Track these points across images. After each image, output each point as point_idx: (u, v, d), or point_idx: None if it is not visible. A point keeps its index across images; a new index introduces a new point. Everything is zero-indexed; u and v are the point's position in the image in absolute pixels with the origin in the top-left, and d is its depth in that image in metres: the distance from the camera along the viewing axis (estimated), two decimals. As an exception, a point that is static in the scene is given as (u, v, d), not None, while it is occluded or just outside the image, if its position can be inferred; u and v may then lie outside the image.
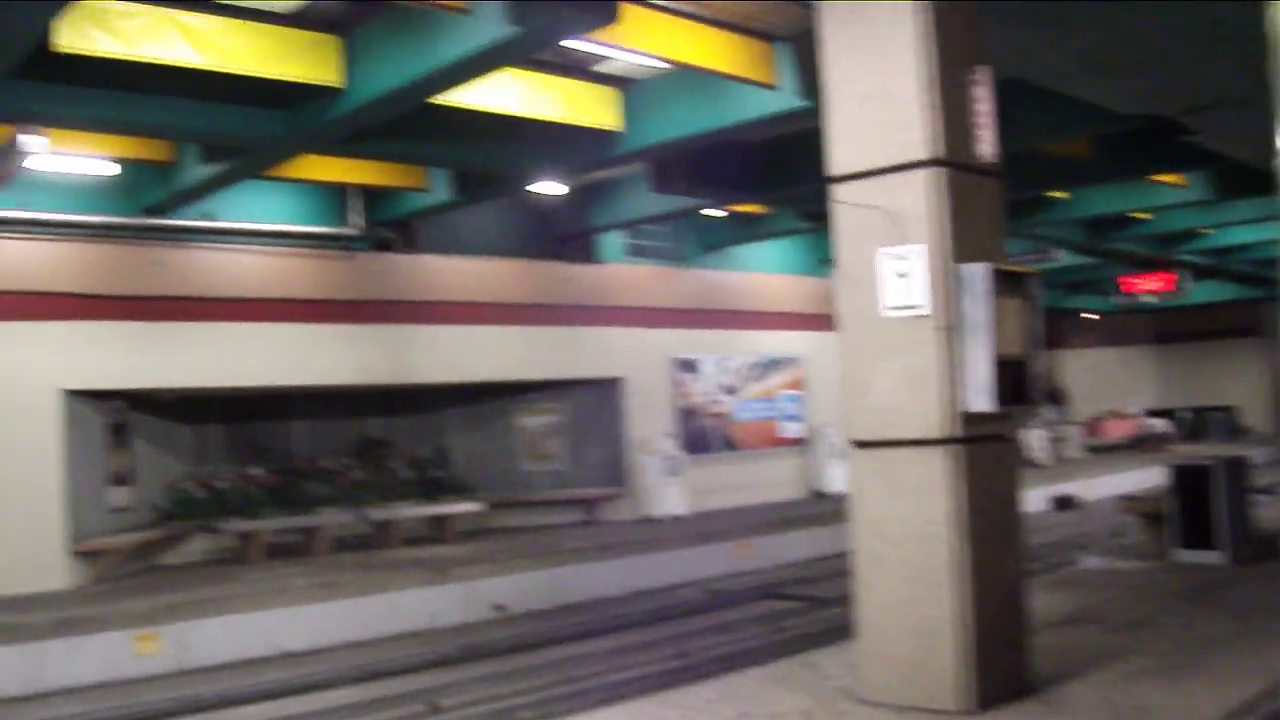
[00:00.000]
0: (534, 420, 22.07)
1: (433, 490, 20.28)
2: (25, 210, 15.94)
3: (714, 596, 17.08)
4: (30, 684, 12.96)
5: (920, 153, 7.50)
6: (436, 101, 12.72)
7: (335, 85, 12.43)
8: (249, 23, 11.95)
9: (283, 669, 13.44)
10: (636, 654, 13.04)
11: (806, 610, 15.21)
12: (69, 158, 15.16)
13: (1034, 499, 18.04)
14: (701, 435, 23.26)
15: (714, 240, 23.71)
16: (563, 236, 21.49)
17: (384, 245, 19.29)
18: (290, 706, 11.73)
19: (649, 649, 13.28)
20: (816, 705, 7.73)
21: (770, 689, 8.25)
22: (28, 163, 13.30)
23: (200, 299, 17.42)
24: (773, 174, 17.37)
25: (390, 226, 19.20)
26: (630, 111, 14.74)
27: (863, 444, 7.76)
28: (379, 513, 19.23)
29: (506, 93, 13.50)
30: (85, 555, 16.25)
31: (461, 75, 11.68)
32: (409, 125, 14.05)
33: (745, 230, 23.32)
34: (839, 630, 9.31)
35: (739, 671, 9.22)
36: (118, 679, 13.30)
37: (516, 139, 15.13)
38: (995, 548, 7.51)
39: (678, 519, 21.34)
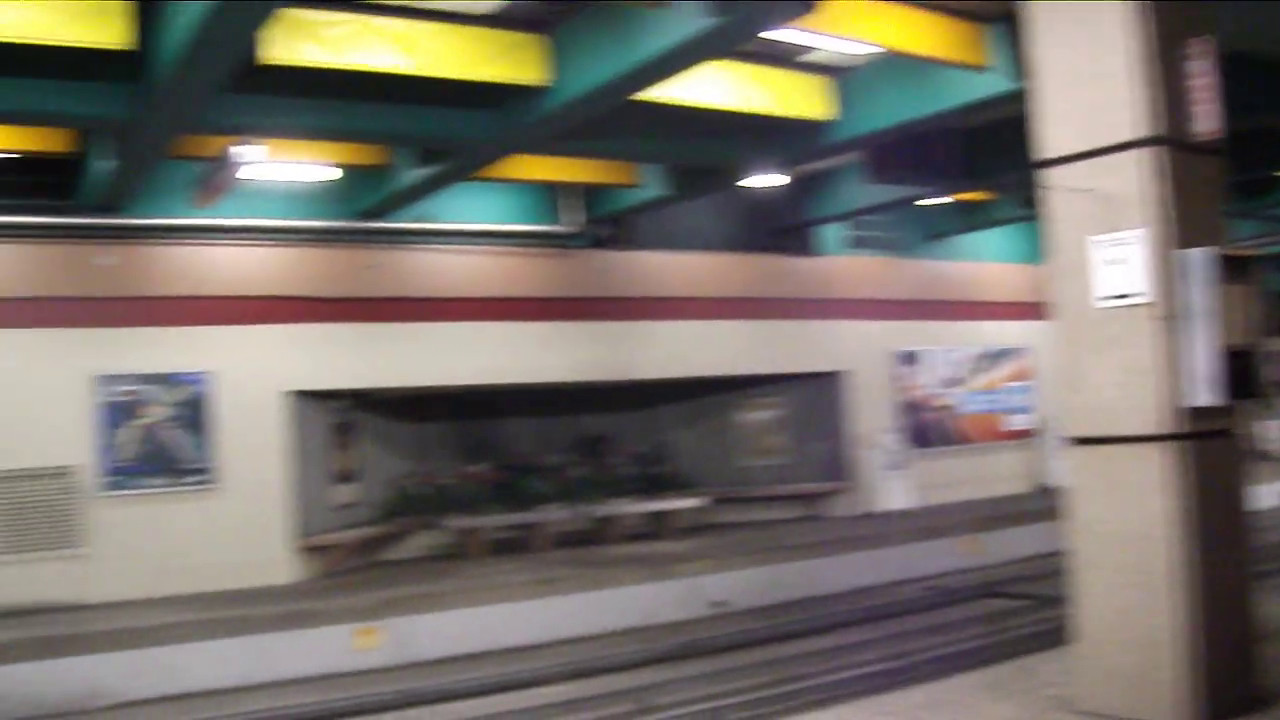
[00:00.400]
0: (754, 415, 21.85)
1: (653, 486, 20.25)
2: (248, 218, 16.43)
3: (934, 595, 16.64)
4: (253, 675, 13.31)
5: (1136, 131, 7.07)
6: (645, 98, 12.58)
7: (540, 84, 12.39)
8: (452, 25, 11.99)
9: (499, 665, 13.46)
10: (852, 654, 12.75)
11: (1029, 610, 14.64)
12: (288, 165, 15.51)
13: (1269, 495, 17.15)
14: (925, 428, 22.73)
15: (935, 229, 23.15)
16: (781, 229, 21.18)
17: (600, 242, 19.27)
18: (503, 702, 11.73)
19: (865, 649, 12.98)
20: (1028, 717, 7.38)
21: (981, 696, 7.93)
22: (245, 172, 13.63)
23: (419, 299, 17.69)
24: (989, 160, 16.91)
25: (605, 223, 19.19)
26: (841, 101, 14.43)
27: (1079, 440, 7.37)
28: (599, 509, 19.23)
29: (715, 86, 13.31)
30: (310, 551, 16.65)
31: (664, 70, 11.50)
32: (619, 122, 13.95)
33: (967, 218, 22.70)
34: (1061, 632, 8.89)
35: (952, 676, 8.87)
36: (337, 672, 13.54)
37: (728, 132, 14.97)
38: (1220, 550, 7.03)
39: (900, 514, 20.88)
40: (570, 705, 11.19)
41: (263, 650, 13.47)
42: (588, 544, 18.86)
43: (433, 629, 14.32)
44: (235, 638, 13.41)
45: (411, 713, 11.76)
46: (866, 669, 11.70)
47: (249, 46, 10.45)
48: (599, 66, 11.67)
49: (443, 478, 18.96)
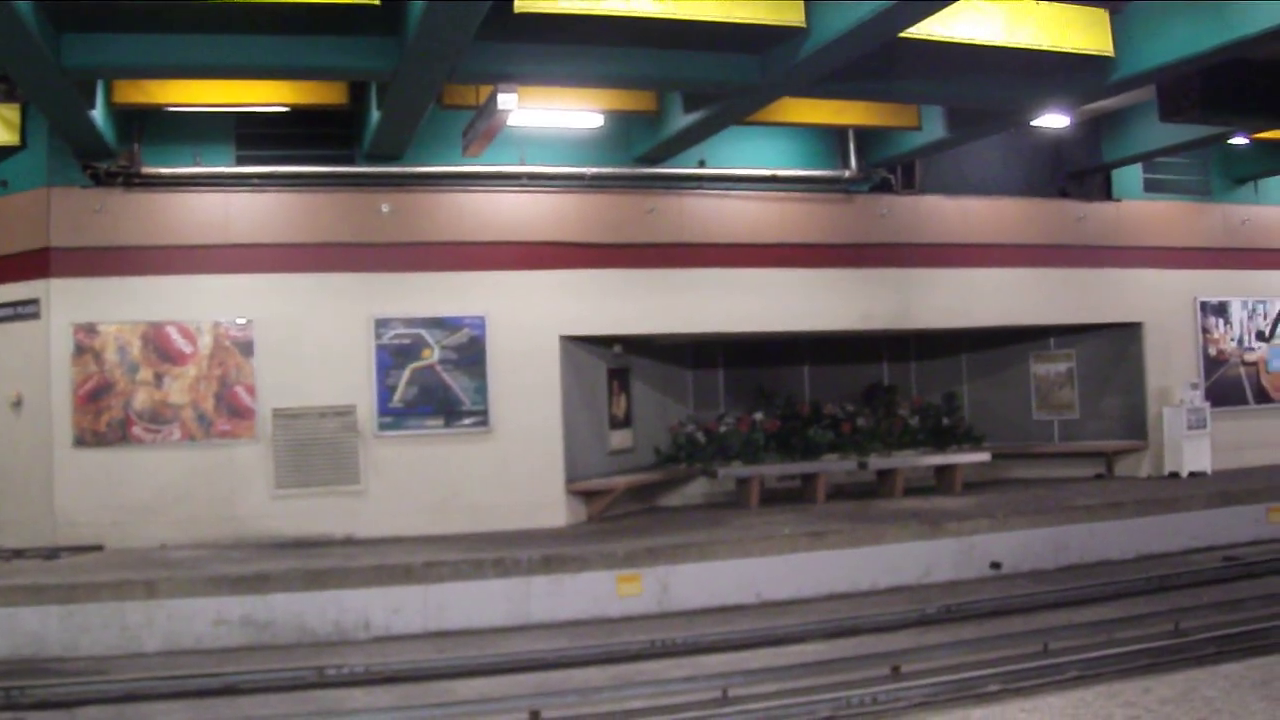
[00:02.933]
0: (1046, 367, 21.03)
1: (940, 439, 19.76)
2: (523, 165, 16.66)
3: (1231, 567, 15.58)
4: (515, 617, 13.53)
5: None
6: (917, 36, 12.20)
7: (799, 25, 12.14)
8: None
9: (757, 618, 13.33)
10: (1127, 627, 12.02)
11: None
12: (556, 112, 15.61)
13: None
14: (1230, 385, 21.37)
15: (1242, 172, 21.69)
16: (1073, 172, 20.22)
17: (882, 186, 18.81)
18: (754, 659, 11.53)
19: (1142, 622, 12.22)
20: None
21: (1242, 695, 6.98)
22: (512, 119, 13.82)
23: (696, 245, 17.59)
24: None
25: (888, 167, 18.69)
26: (1123, 34, 13.57)
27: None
28: (881, 461, 18.88)
29: (987, 22, 12.79)
30: (583, 495, 16.84)
31: (923, 8, 11.14)
32: (892, 62, 13.59)
33: (1276, 159, 21.22)
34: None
35: (1217, 664, 8.16)
36: (597, 618, 13.65)
37: (1005, 71, 14.32)
38: None
39: (1201, 476, 19.68)
40: (823, 666, 10.84)
41: (526, 592, 13.66)
42: (867, 497, 18.56)
43: (696, 578, 14.25)
44: (500, 579, 13.63)
45: (660, 664, 11.67)
46: (1138, 645, 10.97)
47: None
48: (856, 4, 11.31)
49: (720, 425, 18.91)
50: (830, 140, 18.50)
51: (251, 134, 16.24)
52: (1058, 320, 20.13)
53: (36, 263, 15.74)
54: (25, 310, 15.84)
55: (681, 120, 15.59)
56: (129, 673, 11.45)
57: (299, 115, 15.96)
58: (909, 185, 19.07)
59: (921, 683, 10.00)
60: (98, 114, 14.38)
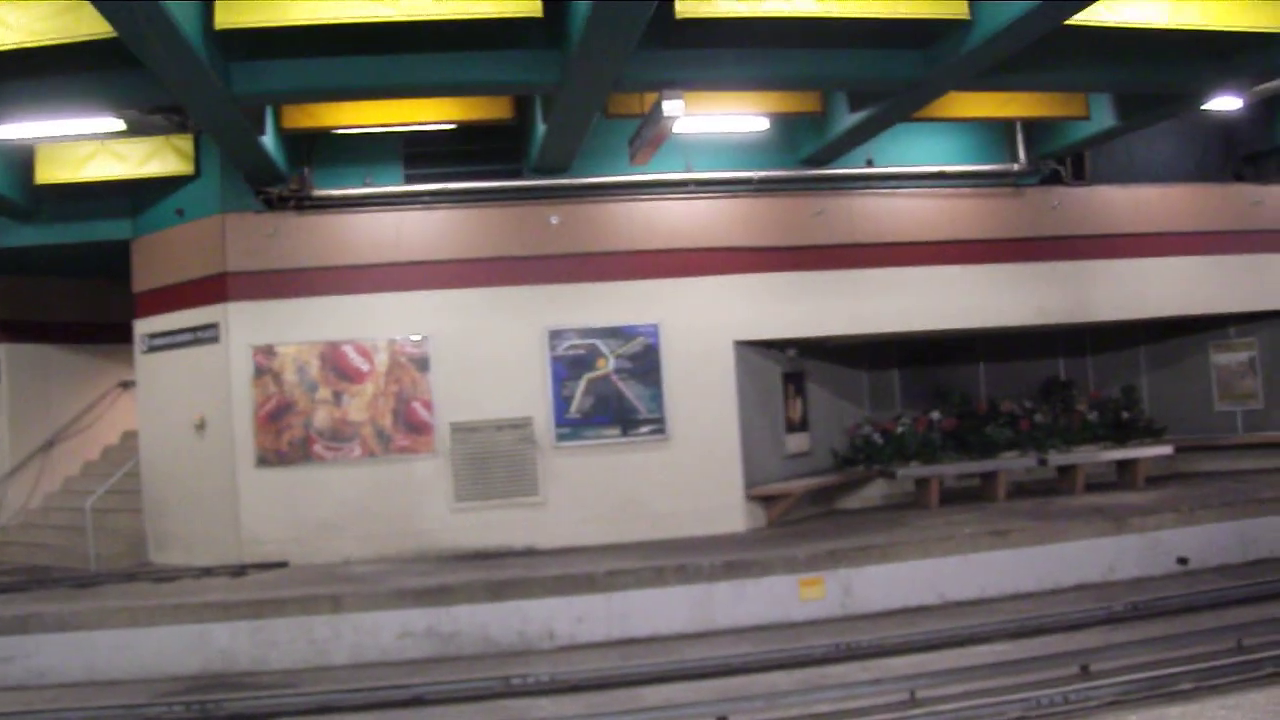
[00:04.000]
0: (1227, 357, 20.36)
1: (1120, 433, 19.30)
2: (688, 171, 16.68)
3: None
4: (699, 623, 13.54)
5: None
6: (1084, 22, 12.00)
7: (963, 18, 11.98)
8: None
9: (942, 619, 13.20)
10: None
11: None
12: (721, 117, 15.55)
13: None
14: None
15: None
16: (1247, 156, 19.67)
17: (1052, 178, 18.44)
18: (940, 660, 11.43)
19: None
20: None
21: None
22: (677, 126, 13.80)
23: (866, 245, 17.44)
24: None
25: (1057, 158, 18.32)
26: (1300, 9, 13.18)
27: None
28: (1060, 457, 18.51)
29: (1155, 5, 12.54)
30: (761, 500, 16.77)
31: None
32: (1059, 51, 13.41)
33: None
34: None
35: None
36: (780, 622, 13.61)
37: (1175, 54, 14.04)
38: None
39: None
40: (1010, 665, 10.67)
41: (708, 599, 13.66)
42: (1048, 494, 18.23)
43: (878, 580, 14.15)
44: (682, 585, 13.65)
45: (846, 667, 11.57)
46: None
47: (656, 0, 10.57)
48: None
49: (896, 425, 18.69)
50: (996, 133, 18.23)
51: (419, 152, 16.50)
52: (1237, 308, 19.44)
53: (214, 288, 16.17)
54: (205, 334, 16.25)
55: (847, 120, 15.49)
56: (318, 685, 11.70)
57: (465, 131, 16.11)
58: (1079, 176, 18.64)
59: (1112, 681, 9.78)
60: (268, 139, 14.73)
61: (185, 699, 11.09)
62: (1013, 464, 18.35)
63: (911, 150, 17.70)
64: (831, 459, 18.69)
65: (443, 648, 13.04)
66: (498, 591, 13.35)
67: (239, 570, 15.12)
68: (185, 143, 16.42)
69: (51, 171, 16.48)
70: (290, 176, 15.96)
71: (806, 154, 16.88)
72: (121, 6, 10.16)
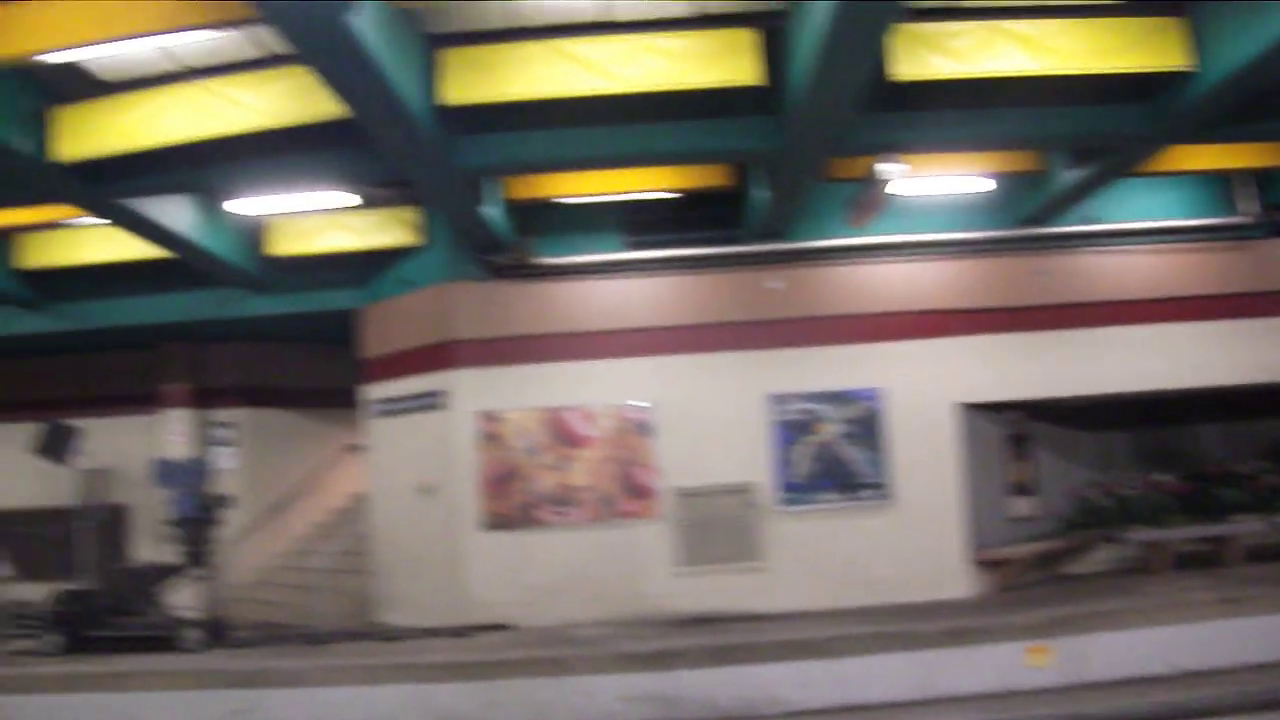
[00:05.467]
0: None
1: (1365, 495, 18.51)
2: (906, 233, 16.68)
3: None
4: (922, 690, 13.30)
5: None
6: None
7: (1185, 69, 11.85)
8: (1079, 20, 11.90)
9: (1173, 690, 12.71)
10: None
11: None
12: (941, 179, 15.54)
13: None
14: None
15: None
16: None
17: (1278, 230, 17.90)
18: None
19: None
20: None
21: None
22: (896, 189, 13.81)
23: (1089, 304, 17.17)
24: None
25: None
26: None
27: None
28: (1292, 520, 17.86)
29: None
30: (985, 565, 16.52)
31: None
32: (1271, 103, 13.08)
33: None
34: None
35: None
36: (1006, 690, 13.30)
37: None
38: None
39: None
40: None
41: (932, 665, 13.43)
42: (1286, 558, 17.59)
43: (1106, 648, 13.69)
44: (906, 652, 13.47)
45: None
46: None
47: (873, 65, 10.66)
48: (1244, 42, 10.97)
49: (1125, 488, 18.20)
50: (1218, 185, 17.76)
51: (638, 220, 16.88)
52: None
53: (441, 354, 16.68)
54: (432, 400, 16.65)
55: (1067, 177, 15.31)
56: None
57: (683, 199, 16.38)
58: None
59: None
60: (492, 210, 15.10)
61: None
62: (1246, 528, 17.70)
63: (1132, 205, 17.35)
64: (1057, 523, 18.29)
65: (665, 712, 13.03)
66: (720, 656, 13.33)
67: (461, 631, 15.41)
68: (412, 214, 16.93)
69: (283, 244, 17.15)
70: (513, 245, 16.29)
71: (1026, 213, 16.66)
72: (356, 89, 10.61)
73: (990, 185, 16.19)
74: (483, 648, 14.38)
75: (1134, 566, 17.88)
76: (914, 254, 16.81)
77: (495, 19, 12.28)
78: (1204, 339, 17.37)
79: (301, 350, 21.66)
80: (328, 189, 15.02)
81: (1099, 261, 17.33)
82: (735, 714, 13.06)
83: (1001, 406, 17.31)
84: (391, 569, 17.19)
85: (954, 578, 16.28)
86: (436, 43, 12.18)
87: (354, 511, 19.75)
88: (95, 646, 14.71)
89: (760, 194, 15.03)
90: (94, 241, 17.44)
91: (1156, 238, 17.44)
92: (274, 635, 15.97)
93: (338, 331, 18.78)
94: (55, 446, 19.67)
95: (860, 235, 16.36)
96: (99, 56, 12.13)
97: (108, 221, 15.15)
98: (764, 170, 14.69)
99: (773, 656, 13.35)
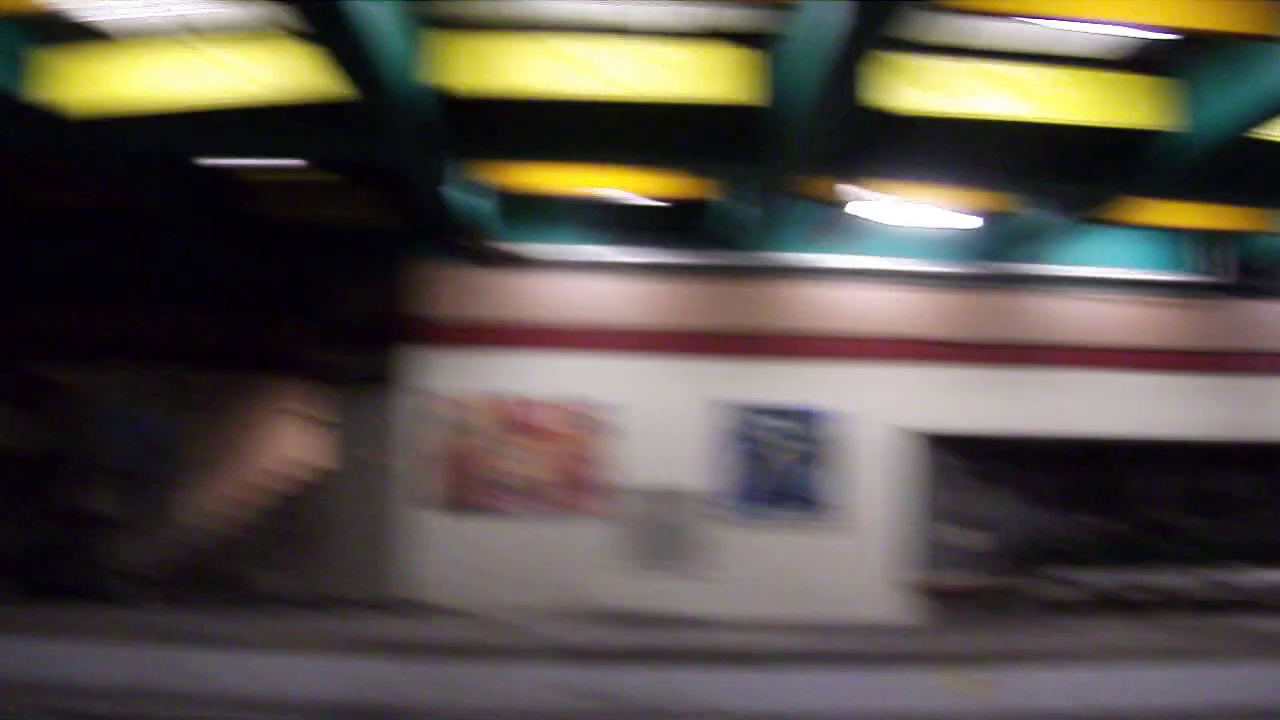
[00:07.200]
0: None
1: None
2: (872, 259, 16.96)
3: None
4: (856, 710, 13.15)
5: None
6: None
7: (1170, 129, 12.12)
8: (1071, 70, 12.20)
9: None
10: None
11: None
12: (911, 209, 15.70)
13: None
14: None
15: None
16: None
17: (1242, 292, 18.15)
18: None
19: None
20: None
21: None
22: (860, 214, 13.92)
23: (1049, 346, 17.51)
24: None
25: (1248, 271, 18.05)
26: None
27: None
28: (1228, 575, 18.23)
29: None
30: (929, 592, 16.93)
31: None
32: (1255, 166, 13.24)
33: None
34: None
35: None
36: (933, 714, 13.34)
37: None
38: None
39: None
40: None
41: (867, 686, 13.54)
42: (1214, 611, 17.83)
43: (1041, 685, 13.82)
44: (843, 671, 13.52)
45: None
46: None
47: (857, 92, 10.76)
48: (1227, 107, 11.25)
49: (1064, 530, 18.51)
50: (1185, 243, 18.04)
51: (611, 221, 16.86)
52: None
53: (406, 333, 16.51)
54: (394, 378, 16.50)
55: (1037, 220, 15.55)
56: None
57: (661, 204, 16.43)
58: (1272, 291, 18.31)
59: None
60: (468, 195, 15.13)
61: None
62: (1181, 580, 18.03)
63: (1097, 253, 17.62)
64: (997, 557, 18.49)
65: (592, 706, 12.92)
66: (662, 658, 13.37)
67: (400, 609, 15.47)
68: (389, 191, 16.74)
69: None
70: (487, 233, 16.28)
71: (992, 250, 16.88)
72: (361, 76, 10.59)
73: (974, 222, 16.31)
74: (420, 627, 14.47)
75: (1067, 607, 18.09)
76: (879, 280, 17.04)
77: (498, 11, 12.29)
78: (1153, 390, 17.72)
79: (252, 313, 21.28)
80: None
81: (1062, 306, 17.62)
82: (664, 714, 13.08)
83: (954, 439, 17.49)
84: (335, 540, 17.08)
85: (897, 602, 16.51)
86: (433, 25, 12.16)
87: (301, 479, 19.62)
88: (25, 593, 14.55)
89: (727, 207, 15.23)
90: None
91: (1116, 287, 17.78)
92: (208, 595, 15.87)
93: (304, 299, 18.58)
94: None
95: (827, 256, 16.68)
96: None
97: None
98: (733, 184, 14.85)
99: (707, 662, 13.38)
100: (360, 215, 16.92)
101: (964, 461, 18.12)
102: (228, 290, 19.38)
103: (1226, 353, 18.03)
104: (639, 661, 13.27)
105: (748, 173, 13.73)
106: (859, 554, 16.46)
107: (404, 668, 13.03)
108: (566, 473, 16.17)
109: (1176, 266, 18.02)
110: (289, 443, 21.12)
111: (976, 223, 16.72)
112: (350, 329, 17.32)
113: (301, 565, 17.42)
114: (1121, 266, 17.74)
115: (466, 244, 16.36)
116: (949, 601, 16.89)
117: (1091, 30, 11.82)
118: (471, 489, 16.04)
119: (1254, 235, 17.25)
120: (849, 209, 13.69)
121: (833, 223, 14.81)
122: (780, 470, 16.40)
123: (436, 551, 16.09)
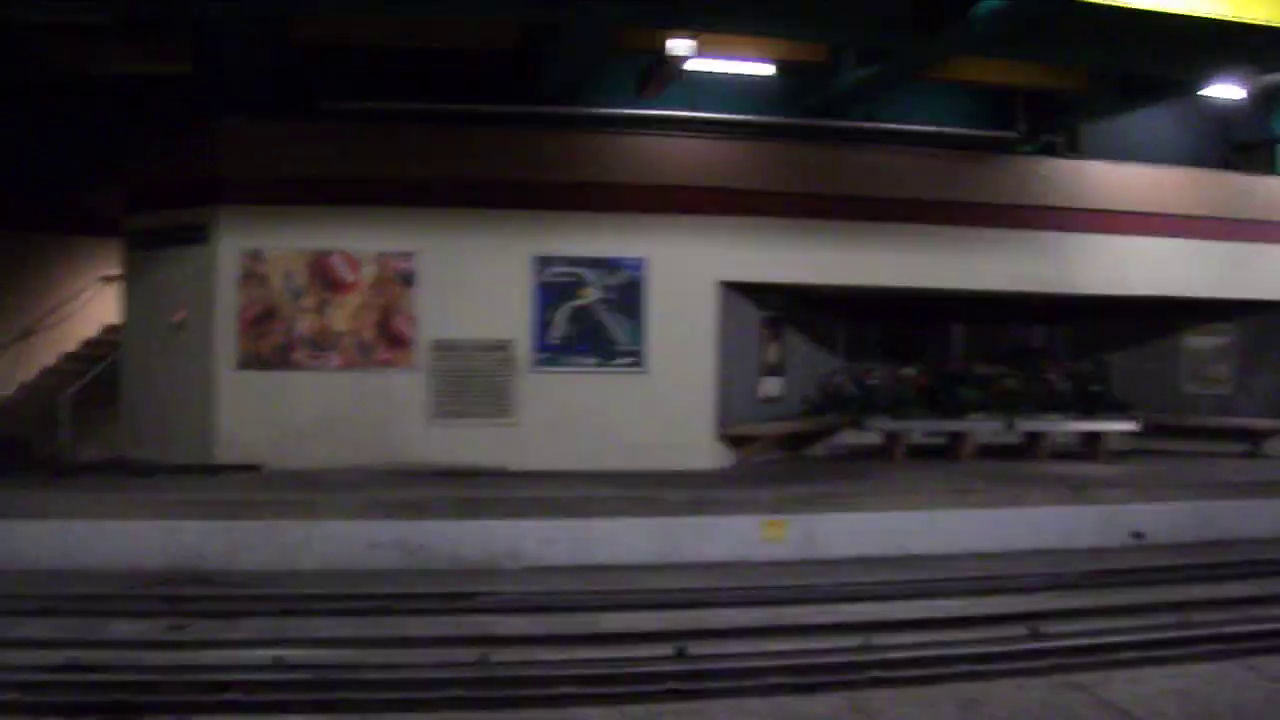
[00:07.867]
0: (1200, 341, 20.59)
1: (1088, 405, 19.51)
2: (690, 110, 16.90)
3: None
4: (662, 555, 13.72)
5: None
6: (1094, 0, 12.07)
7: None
8: None
9: (899, 570, 13.24)
10: (1272, 605, 11.75)
11: None
12: (728, 61, 15.76)
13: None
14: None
15: None
16: (1238, 145, 19.79)
17: (1046, 150, 18.61)
18: (894, 610, 11.43)
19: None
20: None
21: None
22: (685, 66, 13.90)
23: (856, 198, 17.50)
24: None
25: (1052, 130, 18.50)
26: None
27: None
28: (1028, 424, 18.86)
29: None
30: (732, 440, 17.03)
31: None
32: (1067, 27, 13.32)
33: None
34: None
35: None
36: (742, 561, 13.79)
37: (1182, 40, 13.97)
38: None
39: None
40: (961, 622, 10.84)
41: (673, 532, 13.88)
42: (1013, 458, 18.50)
43: (840, 528, 14.34)
44: (649, 517, 13.87)
45: (803, 609, 11.60)
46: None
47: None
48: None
49: (871, 378, 18.91)
50: (995, 100, 18.38)
51: (427, 73, 16.53)
52: (1216, 294, 19.53)
53: (206, 190, 16.18)
54: (194, 235, 16.21)
55: (852, 74, 15.67)
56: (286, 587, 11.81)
57: (469, 57, 16.30)
58: (1073, 149, 18.79)
59: (1061, 643, 9.90)
60: (270, 49, 15.02)
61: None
62: (981, 426, 18.63)
63: (912, 109, 17.89)
64: (803, 406, 18.90)
65: (410, 560, 13.15)
66: (468, 509, 13.56)
67: (211, 471, 15.30)
68: (184, 44, 16.29)
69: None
70: (292, 86, 15.97)
71: (808, 104, 17.03)
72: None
73: (773, 71, 16.38)
74: (232, 487, 14.39)
75: (872, 453, 18.59)
76: (691, 131, 16.97)
77: None
78: (958, 244, 17.91)
79: (59, 175, 20.71)
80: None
81: (872, 159, 17.72)
82: (478, 566, 13.22)
83: (760, 288, 17.65)
84: (143, 404, 16.87)
85: (701, 450, 16.71)
86: None
87: (106, 344, 19.25)
88: None
89: (549, 58, 15.07)
90: None
91: (928, 142, 18.03)
92: (18, 465, 15.61)
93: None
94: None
95: (643, 108, 16.57)
96: None
97: None
98: (555, 34, 14.64)
99: (519, 513, 13.59)
100: (160, 68, 16.44)
101: (772, 312, 18.39)
102: (33, 152, 18.85)
103: (1029, 207, 18.35)
104: (453, 514, 13.48)
105: (555, 18, 13.60)
106: (667, 403, 16.56)
107: (221, 528, 13.06)
108: (374, 326, 16.02)
109: (983, 123, 18.39)
110: (100, 307, 20.75)
111: (791, 76, 16.87)
112: (157, 188, 16.95)
113: (114, 432, 17.19)
114: (929, 122, 18.03)
115: (273, 97, 16.00)
116: (757, 450, 17.17)
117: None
118: (278, 345, 15.83)
119: (1058, 94, 17.60)
120: (668, 61, 13.62)
121: (652, 75, 14.73)
122: (589, 320, 16.36)
123: (246, 411, 15.85)
